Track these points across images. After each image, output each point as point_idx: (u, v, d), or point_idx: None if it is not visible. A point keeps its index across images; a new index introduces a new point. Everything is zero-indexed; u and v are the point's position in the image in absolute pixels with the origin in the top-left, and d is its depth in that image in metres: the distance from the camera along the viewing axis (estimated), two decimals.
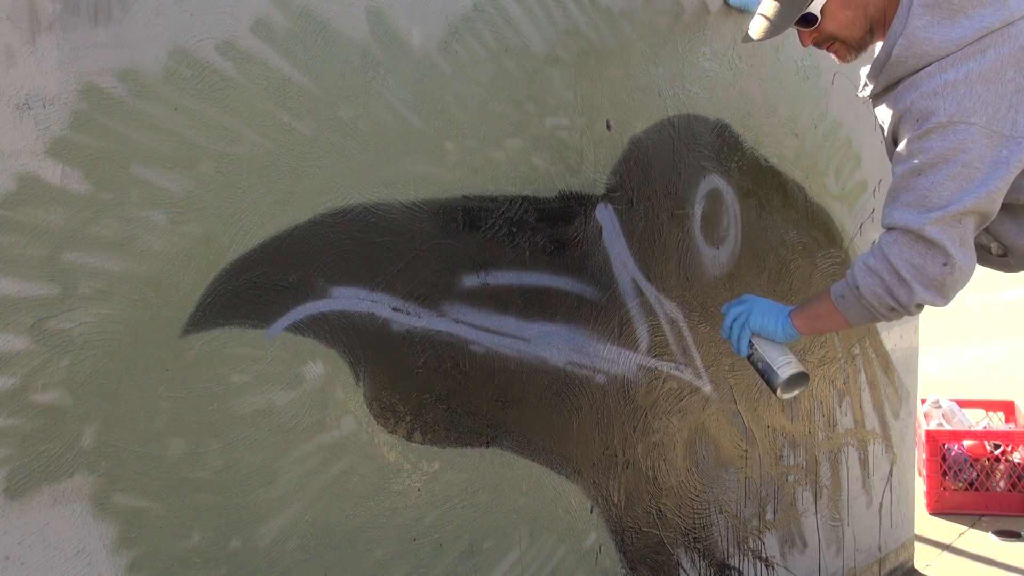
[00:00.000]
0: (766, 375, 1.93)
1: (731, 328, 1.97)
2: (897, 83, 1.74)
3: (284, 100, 1.51)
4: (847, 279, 1.80)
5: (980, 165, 1.63)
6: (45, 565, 1.29)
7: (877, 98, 1.82)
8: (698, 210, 2.33)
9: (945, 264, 1.67)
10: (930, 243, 1.66)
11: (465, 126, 1.78)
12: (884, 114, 1.80)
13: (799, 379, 1.92)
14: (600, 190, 2.07)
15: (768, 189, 2.57)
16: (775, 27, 1.80)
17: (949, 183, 1.63)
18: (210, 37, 1.41)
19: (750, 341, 1.94)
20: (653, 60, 2.18)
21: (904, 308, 1.74)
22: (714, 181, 2.38)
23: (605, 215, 2.08)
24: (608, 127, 2.07)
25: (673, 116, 2.24)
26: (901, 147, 1.71)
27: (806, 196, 2.73)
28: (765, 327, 1.93)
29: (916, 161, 1.66)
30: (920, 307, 1.75)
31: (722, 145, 2.40)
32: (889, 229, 1.72)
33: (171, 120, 1.37)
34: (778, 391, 1.92)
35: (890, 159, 1.79)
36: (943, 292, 1.71)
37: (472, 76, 1.79)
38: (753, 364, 1.96)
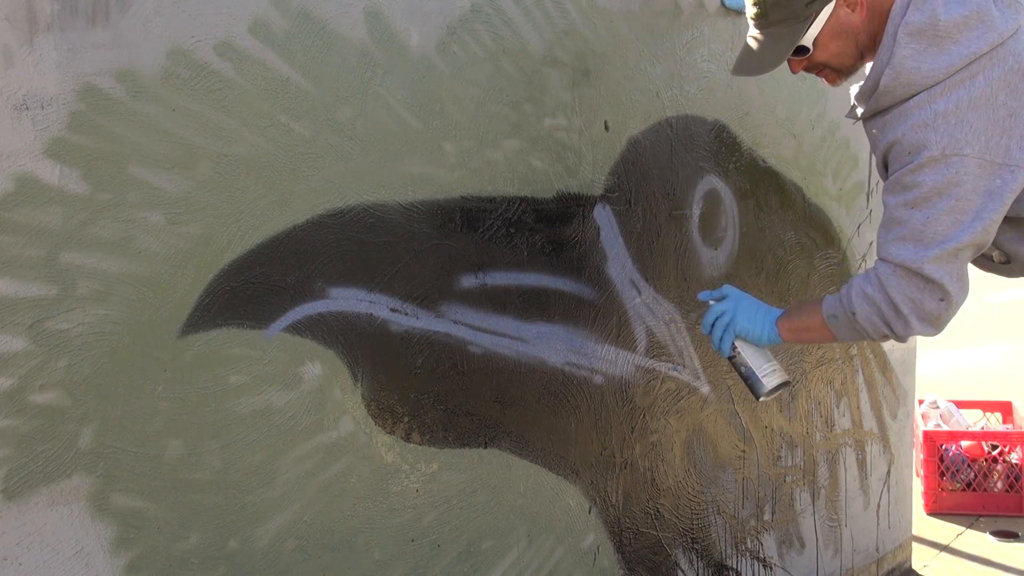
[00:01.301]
0: (749, 381, 1.91)
1: (714, 326, 1.92)
2: (886, 109, 1.71)
3: (282, 101, 1.51)
4: (842, 301, 1.77)
5: (974, 197, 1.61)
6: (43, 566, 1.29)
7: (867, 121, 1.80)
8: (696, 211, 2.33)
9: (942, 299, 1.67)
10: (928, 280, 1.65)
11: (463, 127, 1.78)
12: (874, 138, 1.78)
13: (782, 386, 1.92)
14: (598, 191, 2.07)
15: (766, 190, 2.57)
16: (768, 61, 1.77)
17: (945, 218, 1.62)
18: (208, 38, 1.41)
19: (733, 343, 1.91)
20: (651, 61, 2.18)
21: (899, 338, 1.74)
22: (712, 182, 2.38)
23: (603, 216, 2.08)
24: (606, 128, 2.07)
25: (671, 117, 2.25)
26: (894, 178, 1.69)
27: (804, 197, 2.73)
28: (751, 332, 1.88)
29: (910, 195, 1.64)
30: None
31: (720, 146, 2.40)
32: (885, 260, 1.70)
33: (169, 121, 1.37)
34: (761, 398, 1.92)
35: (881, 178, 1.78)
36: (938, 325, 1.71)
37: (470, 77, 1.79)
38: (735, 367, 1.93)
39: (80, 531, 1.32)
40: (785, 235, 2.65)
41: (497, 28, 1.83)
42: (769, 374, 1.89)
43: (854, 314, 1.74)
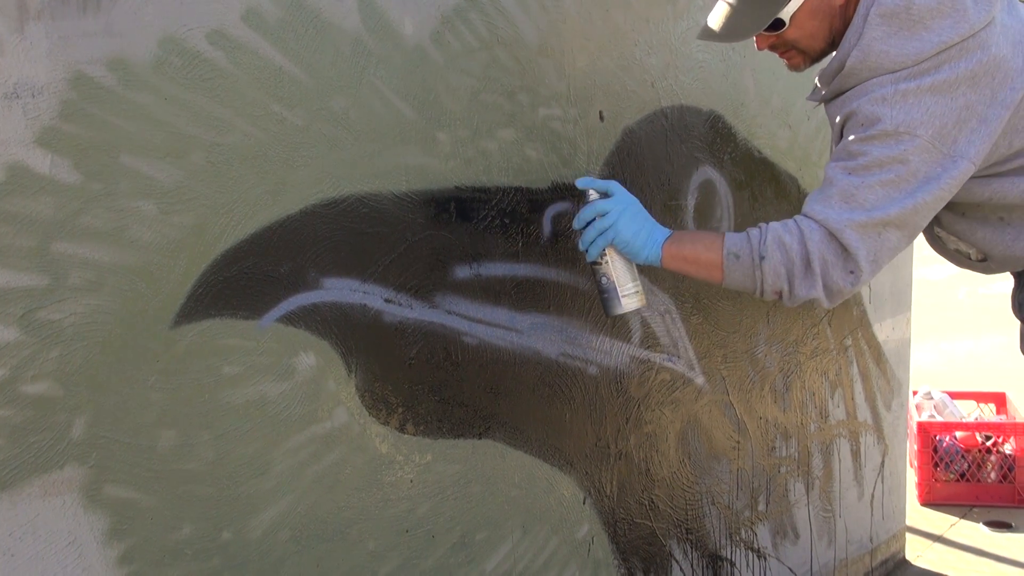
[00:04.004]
0: (606, 295, 1.76)
1: (589, 226, 1.73)
2: (848, 89, 1.70)
3: (275, 90, 1.50)
4: (751, 242, 1.68)
5: (913, 179, 1.59)
6: (36, 557, 1.28)
7: (828, 104, 1.78)
8: (691, 201, 2.33)
9: (852, 272, 1.63)
10: (845, 248, 1.62)
11: (457, 117, 1.77)
12: (833, 116, 1.76)
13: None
14: None
15: (761, 180, 2.57)
16: (742, 30, 1.71)
17: (879, 188, 1.60)
18: (200, 26, 1.40)
19: (604, 250, 1.74)
20: (646, 51, 2.17)
21: (791, 298, 1.68)
22: (707, 172, 2.38)
23: None
24: (601, 118, 2.07)
25: (666, 107, 2.24)
26: (841, 145, 1.67)
27: (799, 188, 2.73)
28: (630, 248, 1.71)
29: (852, 162, 1.62)
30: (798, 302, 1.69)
31: (715, 136, 2.40)
32: (808, 216, 1.66)
33: (161, 110, 1.37)
34: (610, 315, 1.80)
35: None
36: (834, 298, 1.67)
37: (464, 66, 1.78)
38: (595, 274, 1.77)
39: (73, 522, 1.32)
40: None
41: (491, 17, 1.82)
42: (631, 295, 1.75)
43: (763, 259, 1.66)
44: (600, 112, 2.06)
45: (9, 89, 1.22)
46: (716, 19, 1.76)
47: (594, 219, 1.73)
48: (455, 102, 1.77)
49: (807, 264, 1.64)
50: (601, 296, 1.79)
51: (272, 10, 1.48)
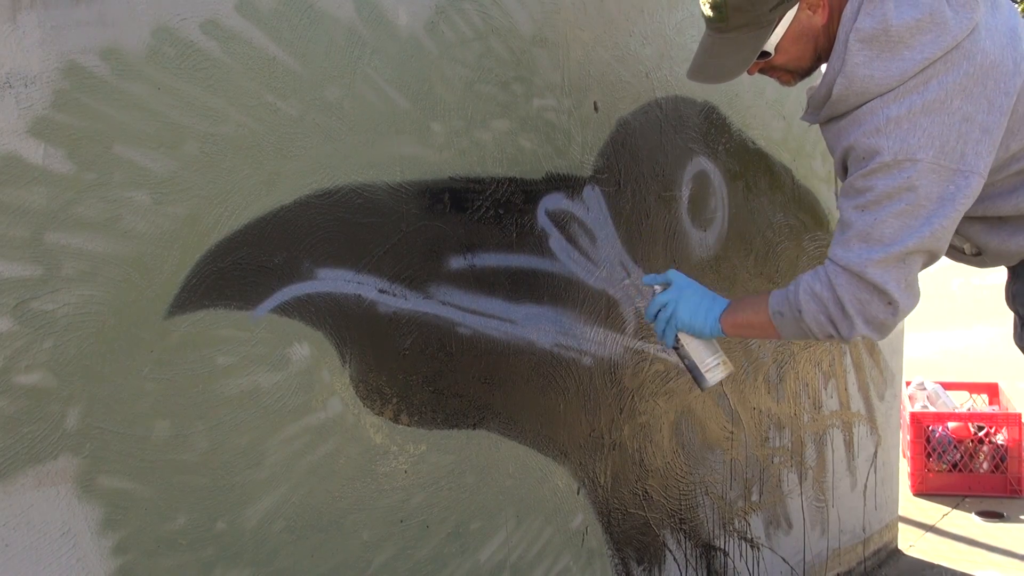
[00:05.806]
0: (693, 374, 1.89)
1: (657, 317, 1.87)
2: (841, 115, 1.68)
3: (269, 80, 1.49)
4: (788, 298, 1.72)
5: (927, 202, 1.57)
6: (30, 547, 1.28)
7: (823, 125, 1.77)
8: (685, 192, 2.33)
9: (889, 304, 1.63)
10: (873, 285, 1.61)
11: (452, 107, 1.77)
12: (830, 142, 1.75)
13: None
14: (587, 172, 2.06)
15: (755, 171, 2.57)
16: (729, 70, 1.73)
17: (893, 221, 1.58)
18: (194, 16, 1.40)
19: (676, 335, 1.86)
20: (641, 41, 2.17)
21: (843, 339, 1.70)
22: (701, 163, 2.38)
23: (592, 197, 2.08)
24: (595, 109, 2.07)
25: (660, 98, 2.24)
26: (848, 182, 1.66)
27: (793, 179, 2.73)
28: (693, 327, 1.82)
29: (861, 199, 1.61)
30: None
31: (709, 127, 2.40)
32: (832, 261, 1.67)
33: (154, 100, 1.36)
34: (703, 390, 1.93)
35: (841, 180, 1.75)
36: (882, 330, 1.68)
37: (459, 56, 1.78)
38: (679, 357, 1.90)
39: (67, 512, 1.32)
40: (774, 217, 2.65)
41: (486, 7, 1.81)
42: (712, 368, 1.86)
43: (800, 312, 1.69)
44: (595, 103, 2.06)
45: (2, 79, 1.21)
46: (702, 59, 1.77)
47: (659, 311, 1.87)
48: (449, 92, 1.76)
49: (841, 308, 1.66)
50: (690, 374, 1.91)
51: (266, 0, 1.48)
